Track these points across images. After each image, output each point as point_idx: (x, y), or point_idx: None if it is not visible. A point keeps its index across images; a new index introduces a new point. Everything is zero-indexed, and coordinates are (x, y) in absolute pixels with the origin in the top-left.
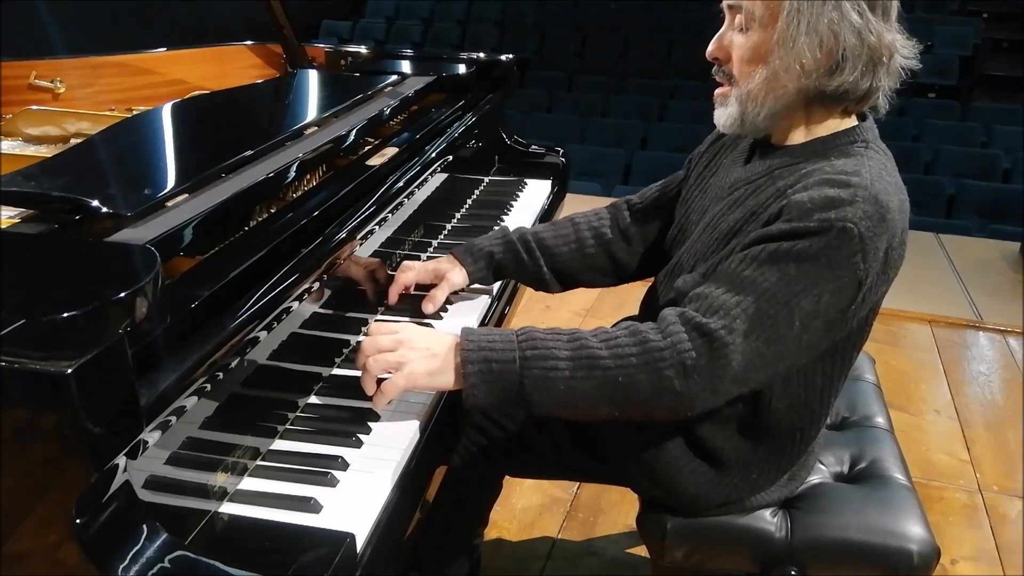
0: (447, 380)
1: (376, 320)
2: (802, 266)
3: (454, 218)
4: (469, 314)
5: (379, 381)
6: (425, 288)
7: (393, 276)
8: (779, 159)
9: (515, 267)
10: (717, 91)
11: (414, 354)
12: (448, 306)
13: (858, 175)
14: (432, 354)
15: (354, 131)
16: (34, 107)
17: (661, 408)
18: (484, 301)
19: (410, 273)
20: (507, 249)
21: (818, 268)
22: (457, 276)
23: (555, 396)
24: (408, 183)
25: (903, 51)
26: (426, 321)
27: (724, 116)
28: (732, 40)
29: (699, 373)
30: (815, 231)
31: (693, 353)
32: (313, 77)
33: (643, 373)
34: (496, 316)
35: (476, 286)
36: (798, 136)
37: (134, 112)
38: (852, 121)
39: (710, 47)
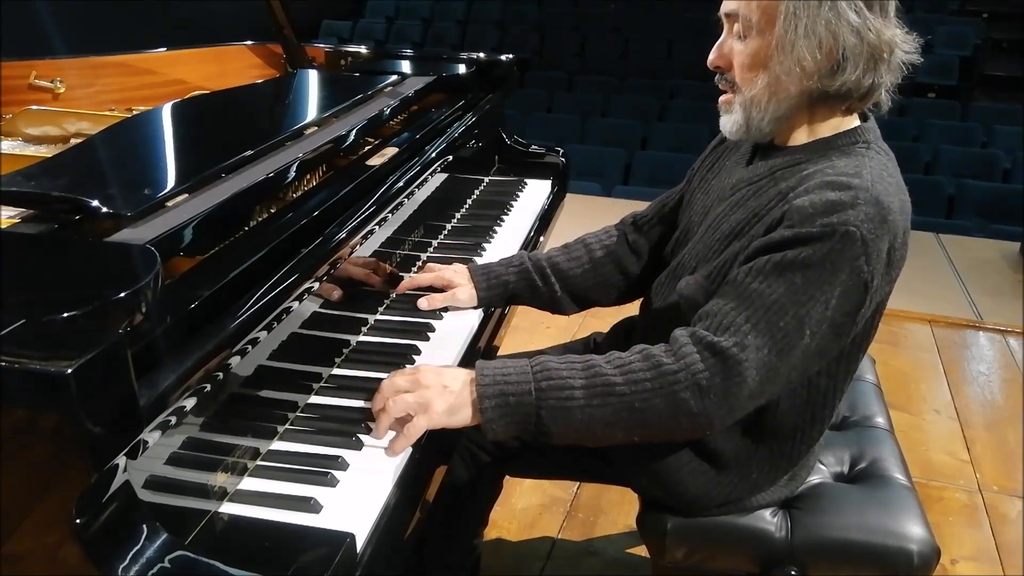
0: (465, 416)
1: (376, 319)
2: (807, 274)
3: (454, 218)
4: (470, 314)
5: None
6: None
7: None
8: (781, 159)
9: (529, 294)
10: (721, 99)
11: (431, 393)
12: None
13: (859, 176)
14: (449, 391)
15: (354, 131)
16: (34, 107)
17: (679, 430)
18: None
19: (428, 276)
20: (521, 278)
21: (823, 275)
22: (464, 295)
23: (572, 425)
24: (408, 183)
25: (903, 46)
26: (427, 321)
27: (729, 123)
28: (732, 47)
29: (715, 393)
30: (818, 236)
31: (707, 373)
32: (313, 77)
33: (658, 397)
34: (496, 315)
35: None
36: (801, 137)
37: (134, 112)
38: (854, 121)
39: (711, 56)
